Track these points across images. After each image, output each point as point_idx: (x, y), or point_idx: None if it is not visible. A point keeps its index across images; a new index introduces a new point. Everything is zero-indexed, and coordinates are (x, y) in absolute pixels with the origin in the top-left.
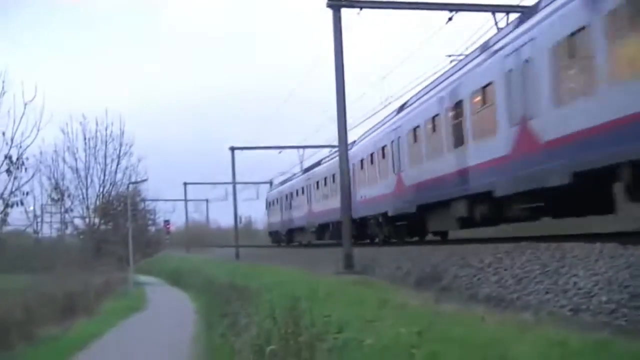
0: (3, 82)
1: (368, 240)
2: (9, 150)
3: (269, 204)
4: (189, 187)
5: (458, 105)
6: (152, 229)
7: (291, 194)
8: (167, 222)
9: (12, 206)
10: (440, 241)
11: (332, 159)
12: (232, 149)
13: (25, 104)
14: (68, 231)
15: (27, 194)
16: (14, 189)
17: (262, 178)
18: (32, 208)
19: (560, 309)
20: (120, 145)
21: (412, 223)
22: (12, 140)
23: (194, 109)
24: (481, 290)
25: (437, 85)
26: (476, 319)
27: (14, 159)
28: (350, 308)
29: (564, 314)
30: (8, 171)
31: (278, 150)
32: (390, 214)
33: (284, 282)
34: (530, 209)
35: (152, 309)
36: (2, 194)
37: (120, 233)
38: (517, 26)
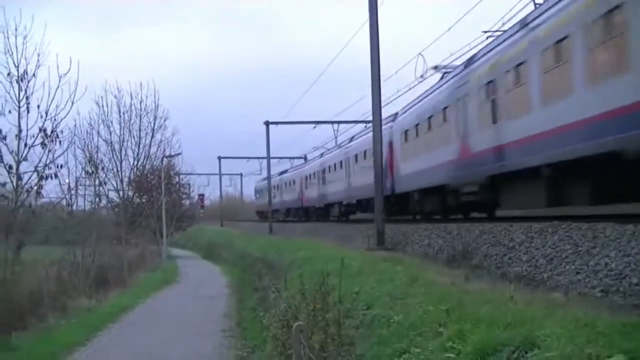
0: (38, 54)
1: (411, 217)
2: (44, 123)
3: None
4: (223, 161)
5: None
6: (187, 202)
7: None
8: (201, 195)
9: (46, 179)
10: (471, 219)
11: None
12: (267, 123)
13: (60, 77)
14: (102, 204)
15: (62, 166)
16: (48, 162)
17: (296, 153)
18: (67, 181)
19: (590, 289)
20: (155, 118)
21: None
22: (46, 113)
23: (229, 83)
24: (512, 269)
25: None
26: (505, 298)
27: (49, 131)
28: (380, 285)
29: (594, 295)
30: (42, 144)
31: (312, 125)
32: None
33: (315, 258)
34: None
35: (184, 282)
36: (37, 166)
37: (154, 206)
38: None
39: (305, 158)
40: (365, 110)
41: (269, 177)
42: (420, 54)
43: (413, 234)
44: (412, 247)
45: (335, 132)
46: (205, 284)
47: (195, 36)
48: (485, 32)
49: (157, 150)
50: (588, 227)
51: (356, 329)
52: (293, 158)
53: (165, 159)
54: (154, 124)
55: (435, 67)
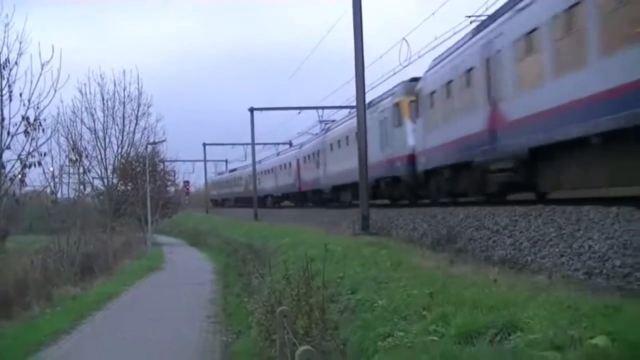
0: (20, 42)
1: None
2: (27, 111)
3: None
4: (208, 147)
5: None
6: (172, 189)
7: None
8: (186, 182)
9: (29, 167)
10: (457, 203)
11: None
12: (252, 109)
13: (43, 65)
14: (87, 192)
15: (45, 154)
16: (31, 150)
17: (281, 139)
18: (51, 169)
19: (574, 272)
20: (139, 105)
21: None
22: (29, 101)
23: (213, 69)
24: (496, 252)
25: None
26: (489, 282)
27: (32, 120)
28: (364, 269)
29: (578, 278)
30: (26, 132)
31: (297, 111)
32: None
33: (299, 243)
34: None
35: (170, 269)
36: (20, 154)
37: (139, 194)
38: None
39: (290, 144)
40: (350, 95)
41: (253, 163)
42: (404, 38)
43: (398, 219)
44: (396, 231)
45: (320, 118)
46: (191, 271)
47: (179, 23)
48: (469, 17)
49: (141, 137)
50: (572, 210)
51: (340, 313)
52: (278, 144)
53: (149, 146)
54: (138, 111)
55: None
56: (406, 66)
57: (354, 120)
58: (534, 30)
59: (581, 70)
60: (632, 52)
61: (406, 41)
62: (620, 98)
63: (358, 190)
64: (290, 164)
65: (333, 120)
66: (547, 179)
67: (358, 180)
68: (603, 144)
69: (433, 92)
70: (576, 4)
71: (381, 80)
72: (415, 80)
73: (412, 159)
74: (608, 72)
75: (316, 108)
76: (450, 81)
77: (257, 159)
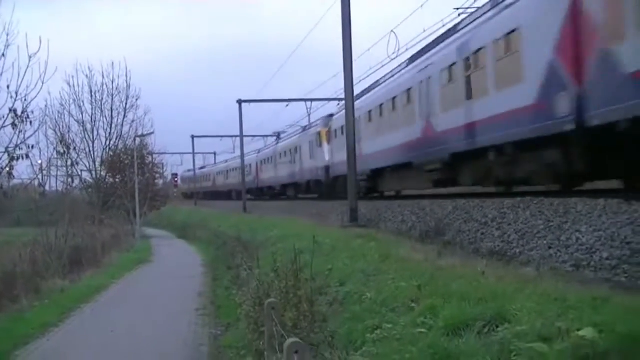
0: (7, 34)
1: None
2: (14, 103)
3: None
4: (196, 140)
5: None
6: (160, 182)
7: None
8: (174, 175)
9: (17, 159)
10: (446, 195)
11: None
12: (240, 101)
13: (30, 57)
14: (75, 185)
15: (33, 147)
16: (19, 143)
17: (269, 131)
18: (40, 161)
19: (562, 264)
20: (127, 98)
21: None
22: (16, 93)
23: (202, 61)
24: (484, 244)
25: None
26: (477, 274)
27: (19, 112)
28: (353, 261)
29: (565, 270)
30: (13, 124)
31: (285, 104)
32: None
33: (288, 236)
34: None
35: (158, 262)
36: (8, 147)
37: (127, 186)
38: None
39: (278, 136)
40: (338, 88)
41: (242, 155)
42: (392, 31)
43: (387, 211)
44: (385, 224)
45: (309, 110)
46: (180, 264)
47: (167, 15)
48: (457, 9)
49: (130, 130)
50: (560, 202)
51: (329, 305)
52: (266, 136)
53: (137, 139)
54: (126, 103)
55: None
56: (394, 58)
57: (295, 138)
58: (453, 64)
59: (482, 99)
60: (512, 89)
61: (395, 34)
62: (504, 121)
63: (297, 188)
64: (250, 166)
65: (284, 132)
66: (463, 177)
67: (296, 181)
68: (497, 153)
69: (342, 126)
70: (478, 50)
71: (369, 73)
72: (331, 116)
73: (327, 168)
74: (500, 102)
75: (304, 100)
76: (382, 104)
77: (228, 159)
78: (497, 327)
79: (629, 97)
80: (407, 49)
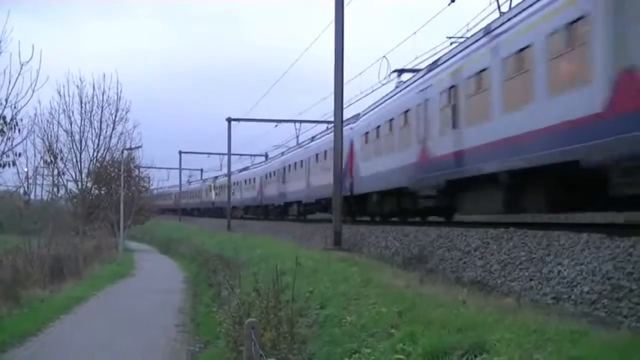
0: (0, 41)
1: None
2: (3, 110)
3: None
4: (184, 156)
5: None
6: (146, 195)
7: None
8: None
9: (3, 167)
10: (429, 223)
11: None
12: (229, 119)
13: (22, 65)
14: (60, 194)
15: (20, 155)
16: (6, 150)
17: (257, 150)
18: (26, 170)
19: (542, 296)
20: (117, 110)
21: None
22: (6, 100)
23: (192, 78)
24: (466, 273)
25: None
26: (458, 302)
27: (8, 119)
28: (335, 285)
29: (546, 302)
30: (1, 131)
31: (274, 124)
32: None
33: (271, 256)
34: None
35: (140, 275)
36: None
37: (112, 199)
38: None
39: (266, 156)
40: (327, 110)
41: (229, 173)
42: (384, 56)
43: (370, 236)
44: (368, 248)
45: (297, 131)
46: (161, 278)
47: (160, 32)
48: (450, 37)
49: (118, 142)
50: (543, 234)
51: (309, 327)
52: (254, 155)
53: (125, 151)
54: (116, 115)
55: (399, 71)
56: (385, 84)
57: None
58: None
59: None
60: (489, 123)
61: (386, 59)
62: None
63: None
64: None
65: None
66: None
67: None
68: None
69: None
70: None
71: (359, 97)
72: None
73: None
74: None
75: (293, 121)
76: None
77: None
78: (476, 356)
79: (365, 186)
80: (398, 75)
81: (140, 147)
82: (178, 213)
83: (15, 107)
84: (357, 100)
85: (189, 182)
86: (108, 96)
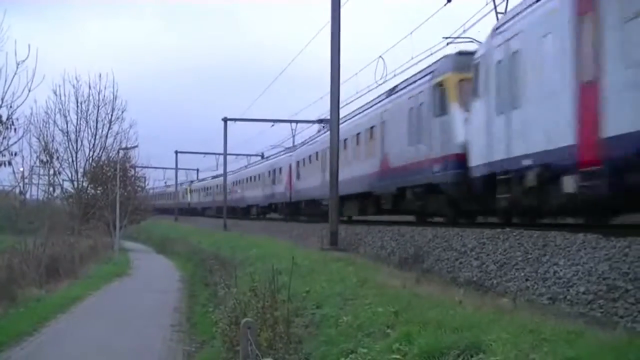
0: None
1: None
2: None
3: None
4: (180, 156)
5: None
6: (142, 195)
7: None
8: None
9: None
10: (426, 223)
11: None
12: (225, 119)
13: (18, 64)
14: (56, 194)
15: (16, 154)
16: (2, 149)
17: (254, 150)
18: (21, 169)
19: (538, 297)
20: (113, 110)
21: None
22: (2, 99)
23: (188, 77)
24: (462, 273)
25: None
26: (454, 303)
27: (4, 118)
28: (331, 285)
29: (542, 302)
30: None
31: (270, 124)
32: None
33: (267, 256)
34: None
35: (136, 275)
36: None
37: (108, 198)
38: None
39: (262, 155)
40: (323, 110)
41: (225, 174)
42: (380, 56)
43: (366, 236)
44: (365, 248)
45: (293, 131)
46: (157, 278)
47: (158, 31)
48: (446, 38)
49: (114, 142)
50: (539, 235)
51: (305, 327)
52: (250, 155)
53: (121, 151)
54: (112, 115)
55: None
56: (381, 84)
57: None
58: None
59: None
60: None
61: (382, 59)
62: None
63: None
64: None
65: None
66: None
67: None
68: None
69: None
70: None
71: (356, 97)
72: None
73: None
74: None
75: (289, 121)
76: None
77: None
78: (472, 356)
79: (297, 195)
80: (394, 75)
81: (136, 146)
82: (175, 213)
83: (11, 107)
84: (353, 100)
85: (166, 185)
86: (104, 95)
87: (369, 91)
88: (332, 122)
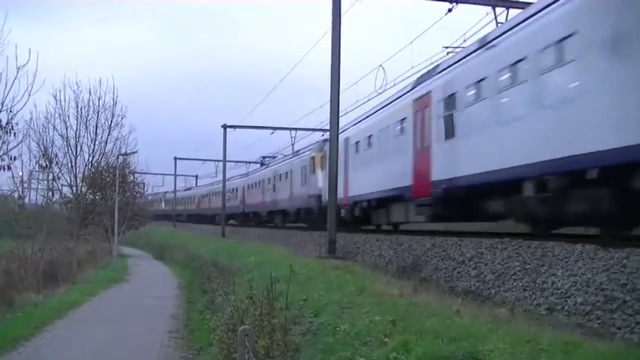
0: None
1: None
2: None
3: None
4: (179, 162)
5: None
6: (140, 201)
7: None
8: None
9: None
10: (423, 232)
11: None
12: (225, 126)
13: (18, 68)
14: (55, 199)
15: (15, 158)
16: (1, 154)
17: (253, 157)
18: (21, 174)
19: (536, 307)
20: (112, 115)
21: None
22: (2, 104)
23: (188, 84)
24: (460, 283)
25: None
26: (451, 312)
27: (4, 123)
28: (328, 293)
29: (539, 313)
30: None
31: (270, 131)
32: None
33: (265, 263)
34: None
35: (134, 281)
36: None
37: (107, 204)
38: None
39: (261, 163)
40: (323, 118)
41: (224, 180)
42: (381, 65)
43: (365, 244)
44: (362, 257)
45: (293, 139)
46: (155, 284)
47: (158, 37)
48: (446, 47)
49: (113, 148)
50: (537, 245)
51: (302, 335)
52: (249, 162)
53: (120, 157)
54: (112, 121)
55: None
56: (381, 93)
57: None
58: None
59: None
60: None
61: (383, 68)
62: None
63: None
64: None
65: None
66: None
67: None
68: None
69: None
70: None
71: (356, 105)
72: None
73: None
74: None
75: (289, 129)
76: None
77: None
78: None
79: (248, 208)
80: (394, 84)
81: (135, 152)
82: (173, 219)
83: (11, 111)
84: (353, 109)
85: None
86: (104, 101)
87: (368, 100)
88: (331, 130)
